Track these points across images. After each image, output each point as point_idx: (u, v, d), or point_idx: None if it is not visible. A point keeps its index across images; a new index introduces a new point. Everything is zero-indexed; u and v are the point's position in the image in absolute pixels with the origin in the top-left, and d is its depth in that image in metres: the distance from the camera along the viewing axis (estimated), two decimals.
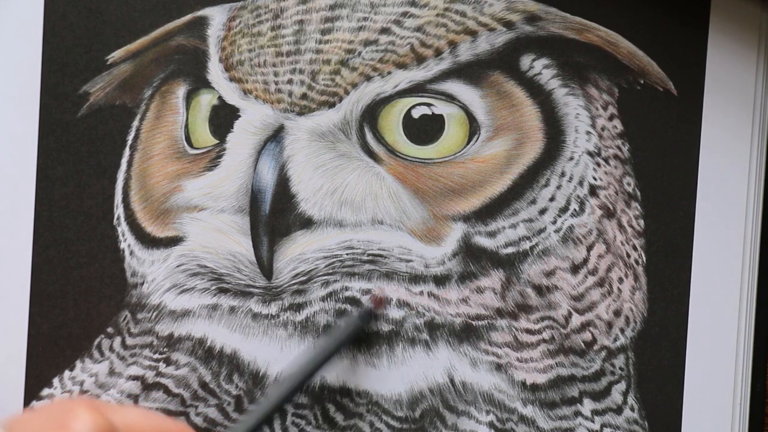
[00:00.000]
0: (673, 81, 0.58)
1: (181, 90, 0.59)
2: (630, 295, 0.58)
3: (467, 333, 0.58)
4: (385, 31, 0.58)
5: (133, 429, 0.35)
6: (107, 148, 0.59)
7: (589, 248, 0.58)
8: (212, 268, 0.59)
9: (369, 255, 0.58)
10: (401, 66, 0.57)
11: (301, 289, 0.58)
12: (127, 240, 0.59)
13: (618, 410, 0.58)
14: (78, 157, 0.59)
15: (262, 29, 0.58)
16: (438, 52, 0.57)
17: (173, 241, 0.59)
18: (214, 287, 0.59)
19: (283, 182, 0.58)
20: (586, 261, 0.58)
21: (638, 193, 0.58)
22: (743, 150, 0.58)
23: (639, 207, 0.58)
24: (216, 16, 0.59)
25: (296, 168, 0.58)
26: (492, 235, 0.58)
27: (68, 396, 0.35)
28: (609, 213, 0.58)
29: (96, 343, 0.60)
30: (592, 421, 0.58)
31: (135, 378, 0.59)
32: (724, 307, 0.58)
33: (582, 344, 0.58)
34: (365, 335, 0.57)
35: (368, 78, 0.57)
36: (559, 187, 0.58)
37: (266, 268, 0.58)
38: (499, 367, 0.58)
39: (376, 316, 0.58)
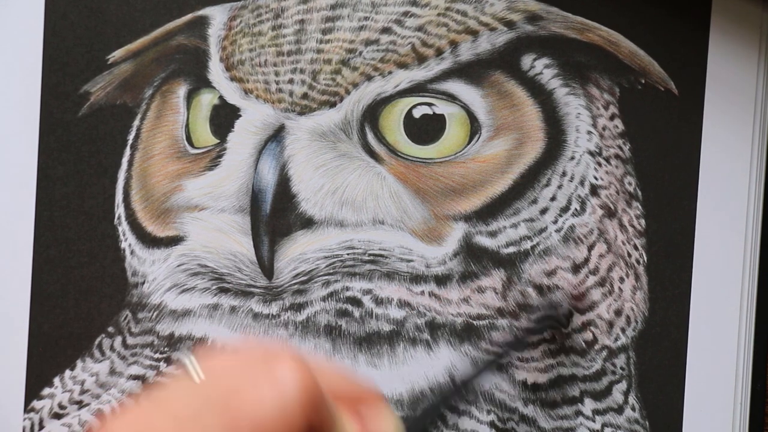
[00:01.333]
0: (675, 81, 0.58)
1: (181, 89, 0.59)
2: (631, 295, 0.58)
3: (468, 333, 0.58)
4: (386, 30, 0.57)
5: (332, 388, 0.33)
6: (108, 147, 0.59)
7: (590, 248, 0.58)
8: (213, 267, 0.59)
9: (370, 255, 0.58)
10: (402, 66, 0.57)
11: (301, 289, 0.58)
12: (127, 239, 0.59)
13: (619, 410, 0.58)
14: (79, 157, 0.59)
15: (263, 29, 0.58)
16: (439, 52, 0.57)
17: (174, 241, 0.59)
18: (214, 287, 0.59)
19: (283, 182, 0.58)
20: (587, 261, 0.58)
21: (639, 193, 0.58)
22: (744, 149, 0.58)
23: (640, 206, 0.58)
24: (217, 16, 0.59)
25: (297, 168, 0.58)
26: (493, 234, 0.58)
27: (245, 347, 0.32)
28: (610, 212, 0.58)
29: (97, 342, 0.59)
30: (593, 421, 0.58)
31: (136, 377, 0.59)
32: (724, 307, 0.58)
33: (583, 344, 0.58)
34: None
35: (369, 78, 0.57)
36: (560, 187, 0.58)
37: (267, 268, 0.58)
38: (500, 367, 0.58)
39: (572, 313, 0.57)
